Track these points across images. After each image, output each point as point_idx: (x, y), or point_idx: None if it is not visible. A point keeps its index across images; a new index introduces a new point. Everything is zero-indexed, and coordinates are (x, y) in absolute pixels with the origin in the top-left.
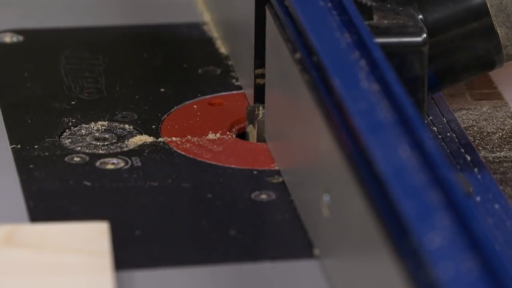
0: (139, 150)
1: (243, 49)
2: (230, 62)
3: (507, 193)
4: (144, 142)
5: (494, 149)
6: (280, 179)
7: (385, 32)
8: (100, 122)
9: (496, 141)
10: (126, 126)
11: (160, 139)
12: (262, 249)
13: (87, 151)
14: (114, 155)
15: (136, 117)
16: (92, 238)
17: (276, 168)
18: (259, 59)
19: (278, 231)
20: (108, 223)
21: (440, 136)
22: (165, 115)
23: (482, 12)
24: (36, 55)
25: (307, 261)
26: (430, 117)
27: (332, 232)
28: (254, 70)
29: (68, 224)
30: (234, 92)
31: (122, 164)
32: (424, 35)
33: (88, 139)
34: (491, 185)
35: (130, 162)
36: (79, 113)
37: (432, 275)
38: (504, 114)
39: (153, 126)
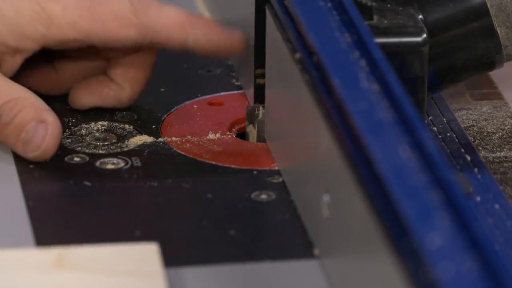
0: (139, 150)
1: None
2: (230, 62)
3: (507, 193)
4: (144, 142)
5: (494, 149)
6: (280, 179)
7: (385, 32)
8: (100, 122)
9: (496, 141)
10: (126, 126)
11: (160, 139)
12: (262, 249)
13: (87, 151)
14: (114, 155)
15: (136, 117)
16: (143, 259)
17: (276, 168)
18: (259, 59)
19: (278, 231)
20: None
21: (440, 136)
22: (165, 115)
23: (482, 12)
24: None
25: (307, 261)
26: (430, 117)
27: (332, 232)
28: (254, 70)
29: (117, 246)
30: (234, 92)
31: (122, 164)
32: (424, 35)
33: (88, 139)
34: (491, 185)
35: (130, 162)
36: (79, 113)
37: (432, 275)
38: (504, 114)
39: (153, 126)
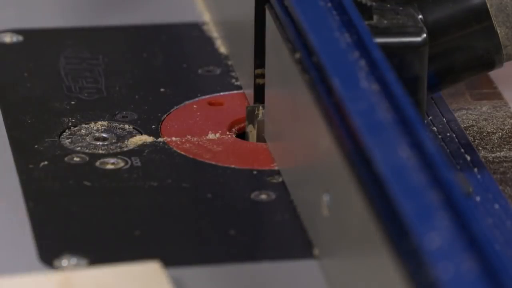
0: (139, 150)
1: (243, 49)
2: (230, 62)
3: (507, 193)
4: (144, 142)
5: (494, 149)
6: (280, 179)
7: (385, 32)
8: (100, 122)
9: (496, 141)
10: (126, 126)
11: (160, 139)
12: (262, 249)
13: (87, 151)
14: (114, 155)
15: (136, 117)
16: (149, 280)
17: (276, 168)
18: (259, 59)
19: (278, 231)
20: (159, 263)
21: (440, 136)
22: (165, 115)
23: (482, 12)
24: (36, 55)
25: (307, 261)
26: (430, 117)
27: (332, 232)
28: (254, 70)
29: (119, 267)
30: (234, 92)
31: (122, 164)
32: (424, 35)
33: (88, 139)
34: (491, 185)
35: (130, 162)
36: (79, 113)
37: (432, 275)
38: (504, 114)
39: (153, 126)
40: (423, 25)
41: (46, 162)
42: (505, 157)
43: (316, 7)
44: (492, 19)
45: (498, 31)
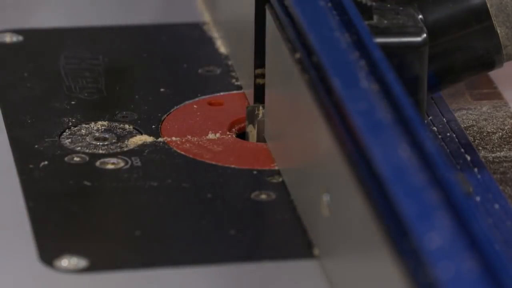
0: (139, 150)
1: (243, 49)
2: (230, 62)
3: (507, 193)
4: (144, 142)
5: (494, 149)
6: (280, 179)
7: (385, 32)
8: (100, 122)
9: (496, 141)
10: (126, 126)
11: (160, 139)
12: (262, 249)
13: (87, 151)
14: (114, 155)
15: (136, 117)
16: None
17: (276, 168)
18: (259, 59)
19: (278, 231)
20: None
21: (440, 136)
22: (165, 115)
23: (482, 12)
24: (36, 55)
25: (307, 261)
26: (430, 117)
27: (332, 232)
28: (254, 70)
29: None
30: (234, 92)
31: (122, 164)
32: (424, 35)
33: (88, 139)
34: (491, 185)
35: (130, 162)
36: (79, 113)
37: (432, 275)
38: (504, 114)
39: (153, 126)
40: (423, 25)
41: (46, 162)
42: (505, 157)
43: (316, 7)
44: (492, 19)
45: (498, 31)
